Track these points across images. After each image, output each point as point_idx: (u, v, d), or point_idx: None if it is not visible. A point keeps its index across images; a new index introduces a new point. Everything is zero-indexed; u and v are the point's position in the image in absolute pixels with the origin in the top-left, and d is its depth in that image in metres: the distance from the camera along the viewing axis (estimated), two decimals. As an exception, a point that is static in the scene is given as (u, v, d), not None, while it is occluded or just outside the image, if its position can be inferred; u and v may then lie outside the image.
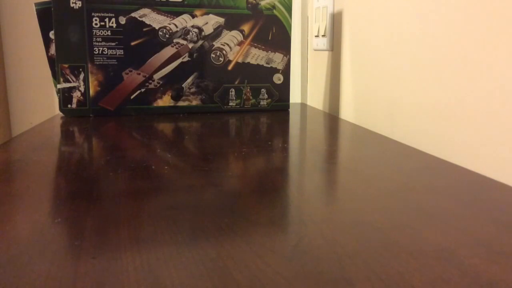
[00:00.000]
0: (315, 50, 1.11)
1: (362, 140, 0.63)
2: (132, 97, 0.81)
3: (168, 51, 0.82)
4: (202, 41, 0.83)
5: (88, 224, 0.33)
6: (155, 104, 0.83)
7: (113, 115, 0.83)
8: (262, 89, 0.91)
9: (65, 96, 0.83)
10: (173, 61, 0.82)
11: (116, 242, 0.31)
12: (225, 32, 0.86)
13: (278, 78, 0.91)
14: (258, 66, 0.90)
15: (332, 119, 0.82)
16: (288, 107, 0.94)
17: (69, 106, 0.83)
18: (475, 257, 0.28)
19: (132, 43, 0.80)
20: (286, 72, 0.93)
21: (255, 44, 0.89)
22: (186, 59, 0.83)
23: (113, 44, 0.80)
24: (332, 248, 0.30)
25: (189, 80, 0.82)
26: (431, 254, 0.29)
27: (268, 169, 0.49)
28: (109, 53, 0.80)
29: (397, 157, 0.53)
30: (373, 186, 0.42)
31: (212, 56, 0.85)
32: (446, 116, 0.59)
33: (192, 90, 0.83)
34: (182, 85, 0.82)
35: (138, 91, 0.81)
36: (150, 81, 0.81)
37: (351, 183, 0.44)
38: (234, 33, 0.87)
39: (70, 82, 0.82)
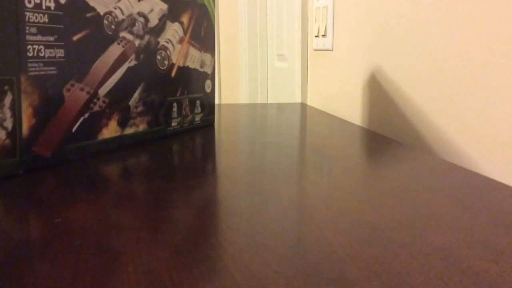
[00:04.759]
0: (315, 50, 1.11)
1: (362, 140, 0.63)
2: (74, 129, 0.56)
3: (114, 51, 0.63)
4: (148, 35, 0.66)
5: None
6: (99, 137, 0.59)
7: (49, 164, 0.52)
8: (197, 101, 0.74)
9: None
10: (119, 67, 0.62)
11: (116, 242, 0.31)
12: (168, 24, 0.68)
13: (208, 86, 0.76)
14: (194, 70, 0.73)
15: (332, 119, 0.82)
16: (213, 122, 0.78)
17: None
18: (475, 257, 0.28)
19: (74, 37, 0.56)
20: (213, 77, 0.77)
21: (192, 42, 0.72)
22: (133, 62, 0.63)
23: (51, 38, 0.54)
24: (332, 248, 0.30)
25: (136, 95, 0.64)
26: (431, 254, 0.29)
27: (268, 168, 0.49)
28: (47, 55, 0.52)
29: (397, 157, 0.53)
30: (373, 186, 0.42)
31: (157, 59, 0.67)
32: (446, 116, 0.59)
33: (139, 109, 0.64)
34: (129, 103, 0.62)
35: (81, 118, 0.57)
36: (95, 100, 0.59)
37: (351, 183, 0.44)
38: (176, 26, 0.69)
39: None
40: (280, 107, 0.97)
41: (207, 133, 0.70)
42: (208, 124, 0.76)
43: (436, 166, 0.50)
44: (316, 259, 0.28)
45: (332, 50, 0.99)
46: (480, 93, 0.53)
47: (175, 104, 0.69)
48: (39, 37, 0.52)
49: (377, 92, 0.78)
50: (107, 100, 0.60)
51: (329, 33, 0.99)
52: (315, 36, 1.09)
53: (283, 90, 1.44)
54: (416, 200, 0.39)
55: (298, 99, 1.22)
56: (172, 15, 0.68)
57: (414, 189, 0.42)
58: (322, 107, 1.08)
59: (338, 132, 0.69)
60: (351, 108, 0.90)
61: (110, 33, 0.61)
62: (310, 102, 1.18)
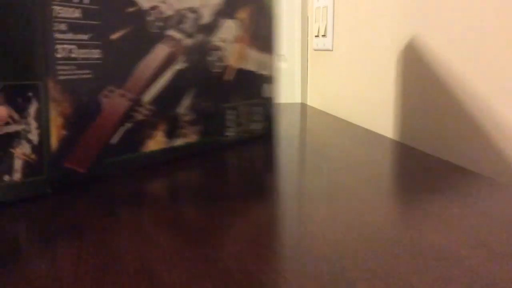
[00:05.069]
0: (315, 50, 1.11)
1: (362, 140, 0.63)
2: (113, 141, 0.49)
3: (160, 52, 0.54)
4: (200, 34, 0.57)
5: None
6: (144, 149, 0.52)
7: (85, 181, 0.46)
8: (254, 107, 0.66)
9: None
10: (166, 70, 0.54)
11: (116, 242, 0.31)
12: (223, 20, 0.60)
13: (266, 90, 0.68)
14: (251, 73, 0.65)
15: (332, 119, 0.82)
16: (272, 131, 0.70)
17: (5, 179, 0.40)
18: (475, 257, 0.28)
19: (113, 36, 0.50)
20: (273, 81, 0.69)
21: (250, 41, 0.64)
22: (182, 65, 0.56)
23: (85, 37, 0.47)
24: (332, 248, 0.30)
25: (186, 101, 0.57)
26: (431, 254, 0.29)
27: (268, 168, 0.49)
28: (80, 57, 0.46)
29: (397, 157, 0.53)
30: (373, 186, 0.42)
31: (210, 60, 0.59)
32: (447, 116, 0.59)
33: (189, 117, 0.57)
34: (177, 111, 0.55)
35: (122, 129, 0.50)
36: (138, 108, 0.52)
37: (351, 183, 0.44)
38: (231, 23, 0.61)
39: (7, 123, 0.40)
40: (280, 107, 0.97)
41: (263, 144, 0.63)
42: (266, 133, 0.68)
43: (436, 166, 0.50)
44: (316, 259, 0.28)
45: (332, 50, 0.99)
46: (481, 92, 0.53)
47: (230, 112, 0.62)
48: (70, 35, 0.45)
49: (377, 92, 0.78)
50: (153, 108, 0.53)
51: (329, 33, 0.99)
52: (315, 36, 1.09)
53: (283, 90, 1.44)
54: (416, 200, 0.39)
55: (298, 99, 1.22)
56: (227, 10, 0.60)
57: (414, 189, 0.42)
58: (322, 107, 1.08)
59: (339, 132, 0.69)
60: (351, 108, 0.90)
61: (155, 31, 0.53)
62: (310, 102, 1.18)
